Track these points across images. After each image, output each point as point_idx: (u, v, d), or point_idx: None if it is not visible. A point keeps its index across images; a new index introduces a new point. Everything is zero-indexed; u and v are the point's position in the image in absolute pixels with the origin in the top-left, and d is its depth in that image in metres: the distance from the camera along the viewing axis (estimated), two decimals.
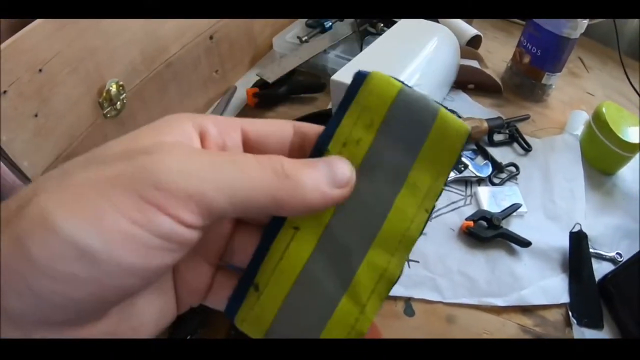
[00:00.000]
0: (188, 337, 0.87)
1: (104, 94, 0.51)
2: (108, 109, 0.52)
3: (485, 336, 0.48)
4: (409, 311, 0.48)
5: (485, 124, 0.62)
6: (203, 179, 0.16)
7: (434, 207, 0.23)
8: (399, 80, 0.22)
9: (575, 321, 0.50)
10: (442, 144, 0.22)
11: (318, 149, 0.22)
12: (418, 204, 0.23)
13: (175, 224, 0.15)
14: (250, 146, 0.21)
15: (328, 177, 0.19)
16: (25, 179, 0.47)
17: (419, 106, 0.22)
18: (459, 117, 0.65)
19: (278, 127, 0.21)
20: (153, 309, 0.19)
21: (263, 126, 0.21)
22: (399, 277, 0.23)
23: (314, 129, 0.22)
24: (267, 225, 0.23)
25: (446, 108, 0.22)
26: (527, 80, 0.72)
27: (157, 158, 0.16)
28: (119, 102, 0.52)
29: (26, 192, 0.16)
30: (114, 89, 0.51)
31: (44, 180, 0.16)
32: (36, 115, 0.47)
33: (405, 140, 0.22)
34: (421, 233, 0.23)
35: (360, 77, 0.23)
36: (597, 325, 0.51)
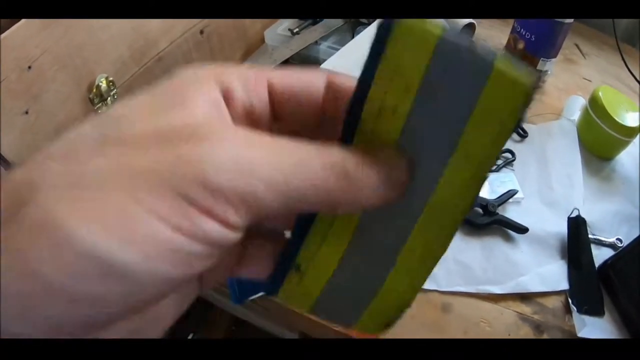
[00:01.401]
0: (190, 335, 0.87)
1: (94, 90, 0.51)
2: (99, 104, 0.52)
3: (482, 325, 0.47)
4: None
5: None
6: (259, 177, 0.13)
7: (487, 176, 0.19)
8: (438, 25, 0.17)
9: (575, 308, 0.50)
10: (498, 105, 0.17)
11: (352, 119, 0.19)
12: (474, 169, 0.19)
13: (224, 228, 0.13)
14: (278, 102, 0.18)
15: (387, 179, 0.17)
16: None
17: (466, 60, 0.17)
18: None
19: (308, 81, 0.19)
20: (177, 295, 0.17)
21: (292, 80, 0.18)
22: (445, 250, 0.20)
23: (348, 83, 0.19)
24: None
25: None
26: None
27: (204, 149, 0.13)
28: (109, 98, 0.52)
29: (19, 180, 0.13)
30: (103, 84, 0.51)
31: (42, 164, 0.13)
32: (26, 113, 0.47)
33: (452, 105, 0.18)
34: (473, 205, 0.20)
35: (386, 27, 0.17)
36: (597, 312, 0.51)
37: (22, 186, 0.12)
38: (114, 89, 0.53)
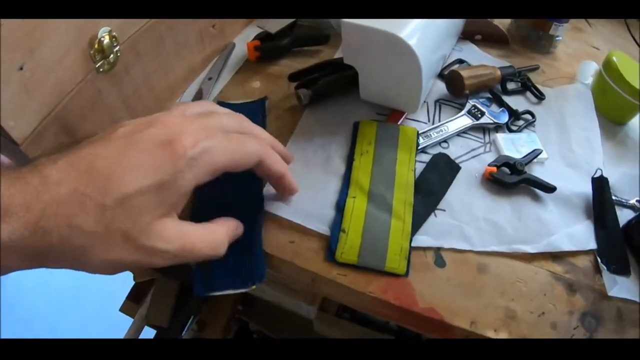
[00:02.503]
0: (192, 317, 0.83)
1: (96, 45, 0.46)
2: (100, 62, 0.48)
3: (519, 285, 0.45)
4: (440, 262, 0.46)
5: (499, 72, 0.60)
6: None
7: (415, 168, 0.51)
8: (375, 122, 0.55)
9: (604, 267, 0.48)
10: (406, 140, 0.53)
11: (351, 158, 0.52)
12: (407, 166, 0.50)
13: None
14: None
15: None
16: (11, 142, 0.42)
17: (389, 128, 0.54)
18: (469, 65, 0.63)
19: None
20: None
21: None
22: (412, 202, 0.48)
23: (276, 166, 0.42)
24: (338, 199, 0.48)
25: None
26: (533, 32, 0.70)
27: None
28: (112, 55, 0.48)
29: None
30: (106, 39, 0.47)
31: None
32: (21, 69, 0.43)
33: (389, 144, 0.52)
34: (414, 179, 0.50)
35: (356, 124, 0.55)
36: (625, 271, 0.50)
37: None
38: (117, 45, 0.49)
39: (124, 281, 0.82)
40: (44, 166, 0.30)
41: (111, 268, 0.32)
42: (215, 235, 0.37)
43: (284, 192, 0.46)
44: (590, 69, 0.68)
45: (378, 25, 0.48)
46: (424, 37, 0.50)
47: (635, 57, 0.79)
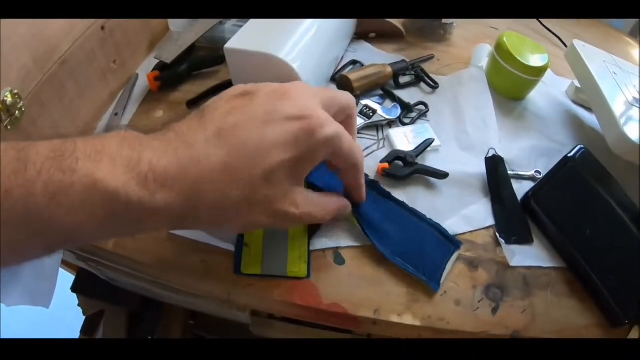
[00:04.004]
0: (149, 336, 0.84)
1: (0, 106, 0.47)
2: (7, 120, 0.49)
3: None
4: (339, 260, 0.48)
5: (389, 68, 0.62)
6: None
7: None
8: None
9: (503, 240, 0.51)
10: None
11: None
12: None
13: None
14: None
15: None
16: None
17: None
18: (362, 65, 0.65)
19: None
20: None
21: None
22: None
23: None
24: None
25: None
26: (428, 23, 0.73)
27: None
28: (17, 111, 0.49)
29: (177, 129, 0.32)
30: (9, 99, 0.48)
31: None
32: None
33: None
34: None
35: None
36: (526, 240, 0.52)
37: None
38: (20, 102, 0.49)
39: (75, 315, 0.83)
40: (189, 134, 0.32)
41: (245, 228, 0.36)
42: (329, 206, 0.41)
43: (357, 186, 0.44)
44: (484, 52, 0.70)
45: (257, 47, 0.50)
46: (304, 52, 0.52)
47: (535, 30, 0.83)
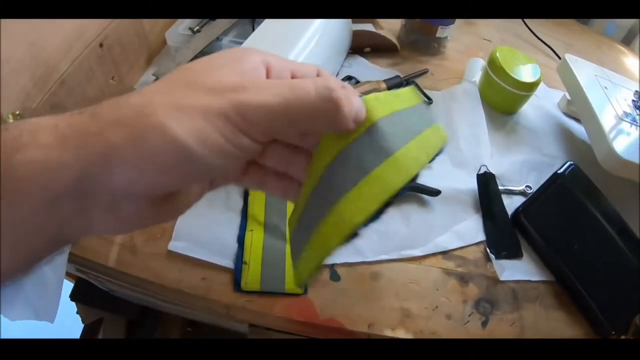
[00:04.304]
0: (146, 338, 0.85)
1: None
2: None
3: (411, 285, 0.49)
4: (335, 276, 0.49)
5: (383, 85, 0.63)
6: (273, 114, 0.21)
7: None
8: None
9: (493, 256, 0.53)
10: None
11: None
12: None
13: (251, 141, 0.22)
14: None
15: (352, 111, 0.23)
16: None
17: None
18: (357, 82, 0.66)
19: (310, 70, 0.26)
20: (200, 186, 0.26)
21: (301, 69, 0.26)
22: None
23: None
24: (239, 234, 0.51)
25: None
26: (422, 37, 0.74)
27: (246, 96, 0.21)
28: None
29: (134, 102, 0.21)
30: (10, 119, 0.49)
31: (151, 95, 0.21)
32: None
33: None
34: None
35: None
36: (515, 255, 0.54)
37: (138, 103, 0.21)
38: None
39: (74, 322, 0.83)
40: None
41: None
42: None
43: None
44: (477, 66, 0.72)
45: None
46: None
47: (528, 40, 0.84)
